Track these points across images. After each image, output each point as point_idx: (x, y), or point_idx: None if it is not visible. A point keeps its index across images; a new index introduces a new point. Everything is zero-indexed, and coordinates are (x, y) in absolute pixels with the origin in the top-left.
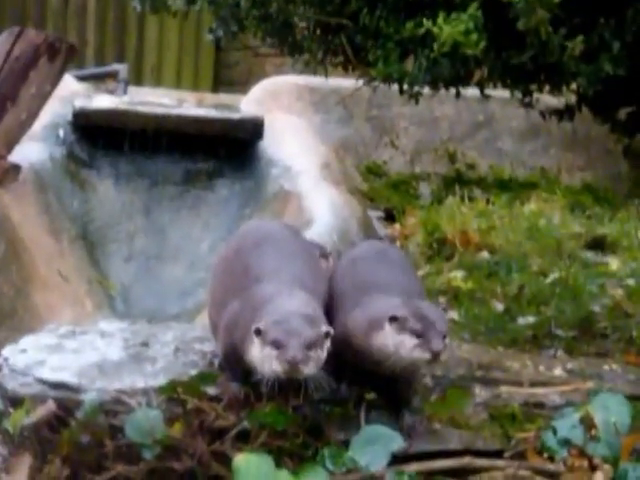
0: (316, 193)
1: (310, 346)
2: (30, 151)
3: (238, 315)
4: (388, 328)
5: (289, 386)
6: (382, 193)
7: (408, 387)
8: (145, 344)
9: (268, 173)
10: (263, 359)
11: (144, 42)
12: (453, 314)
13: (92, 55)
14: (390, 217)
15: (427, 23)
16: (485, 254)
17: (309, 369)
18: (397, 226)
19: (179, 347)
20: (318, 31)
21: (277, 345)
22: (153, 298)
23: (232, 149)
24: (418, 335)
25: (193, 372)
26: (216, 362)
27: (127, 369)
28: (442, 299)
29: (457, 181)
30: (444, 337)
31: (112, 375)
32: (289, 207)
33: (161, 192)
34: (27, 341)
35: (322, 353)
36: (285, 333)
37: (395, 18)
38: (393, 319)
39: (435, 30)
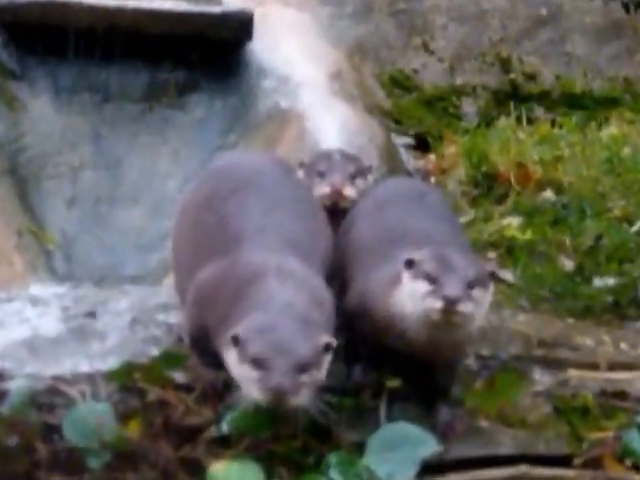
0: (323, 113)
1: (303, 368)
2: None
3: (212, 289)
4: (405, 276)
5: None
6: (412, 112)
7: (448, 373)
8: (91, 314)
9: (259, 86)
10: (241, 378)
11: None
12: (507, 274)
13: None
14: (422, 145)
15: None
16: (549, 194)
17: (300, 399)
18: (432, 157)
19: (136, 318)
20: None
21: (259, 365)
22: (105, 254)
23: (211, 54)
24: (432, 280)
25: (155, 352)
26: (186, 339)
27: (67, 348)
28: (492, 254)
29: (512, 96)
30: (470, 286)
31: (47, 356)
32: (287, 132)
33: (115, 112)
34: None
35: (319, 374)
36: (270, 349)
37: None
38: (409, 263)
39: None
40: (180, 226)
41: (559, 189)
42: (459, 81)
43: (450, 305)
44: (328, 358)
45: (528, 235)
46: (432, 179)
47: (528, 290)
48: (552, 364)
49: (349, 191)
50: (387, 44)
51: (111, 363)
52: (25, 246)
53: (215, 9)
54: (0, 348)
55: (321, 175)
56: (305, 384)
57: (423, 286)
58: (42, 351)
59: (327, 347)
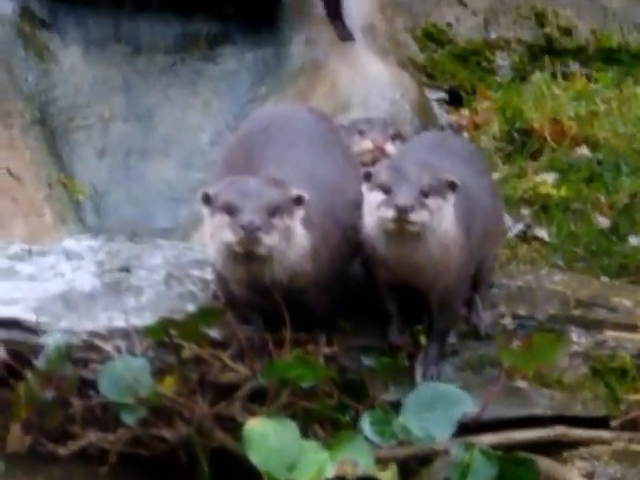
0: (355, 66)
1: (273, 211)
2: None
3: None
4: (363, 188)
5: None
6: (445, 67)
7: (441, 314)
8: (126, 269)
9: (291, 39)
10: (213, 232)
11: None
12: (541, 231)
13: None
14: (456, 99)
15: None
16: (585, 150)
17: (272, 239)
18: (465, 112)
19: (171, 273)
20: None
21: (231, 210)
22: (135, 206)
23: (243, 6)
24: (386, 190)
25: (190, 308)
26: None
27: (102, 303)
28: (526, 211)
29: (547, 51)
30: (423, 194)
31: (82, 311)
32: (318, 86)
33: (146, 63)
34: None
35: (291, 222)
36: (240, 194)
37: None
38: (367, 176)
39: None
40: (215, 170)
41: (594, 145)
42: (493, 35)
43: (402, 213)
44: (301, 211)
45: (563, 192)
46: (465, 134)
47: (563, 248)
48: (589, 325)
49: (390, 148)
50: None
51: (147, 319)
52: (55, 197)
53: None
54: (35, 302)
55: (362, 133)
56: (276, 227)
57: (378, 196)
58: (77, 306)
59: (298, 200)
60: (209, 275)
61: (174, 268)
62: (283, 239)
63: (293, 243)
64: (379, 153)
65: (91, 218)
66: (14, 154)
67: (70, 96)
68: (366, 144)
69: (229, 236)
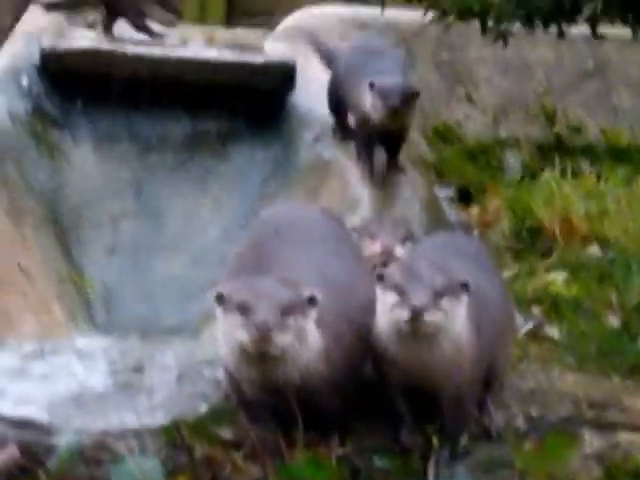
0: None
1: (287, 311)
2: None
3: None
4: (377, 289)
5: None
6: (455, 165)
7: (453, 416)
8: (138, 369)
9: (301, 137)
10: (226, 331)
11: None
12: (552, 330)
13: None
14: (465, 197)
15: None
16: (595, 249)
17: (285, 339)
18: (475, 209)
19: (184, 373)
20: None
21: (244, 309)
22: (145, 303)
23: (253, 104)
24: (400, 291)
25: (203, 407)
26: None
27: (114, 402)
28: (536, 310)
29: (557, 149)
30: (438, 295)
31: (94, 411)
32: (328, 183)
33: (157, 161)
34: None
35: (306, 323)
36: (254, 294)
37: None
38: (380, 277)
39: None
40: (224, 272)
41: (605, 244)
42: (503, 133)
43: (416, 314)
44: (314, 312)
45: (573, 291)
46: (475, 232)
47: (574, 348)
48: (602, 426)
49: (399, 251)
50: (430, 95)
51: (159, 418)
52: (65, 294)
53: (258, 59)
54: (47, 402)
55: (372, 236)
56: (290, 327)
57: (391, 297)
58: (89, 405)
59: (312, 300)
60: (220, 374)
61: (186, 367)
62: (296, 339)
63: (306, 344)
64: (388, 256)
65: (101, 315)
66: (25, 251)
67: (81, 193)
68: (375, 248)
69: (242, 336)
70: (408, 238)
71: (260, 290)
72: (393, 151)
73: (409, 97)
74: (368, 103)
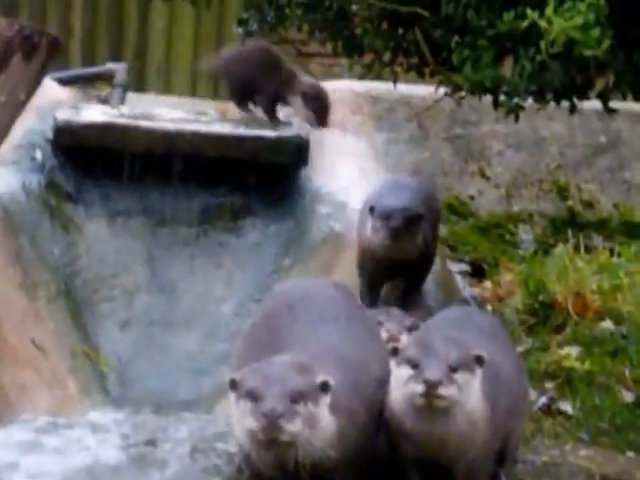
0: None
1: (297, 398)
2: None
3: None
4: (391, 364)
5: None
6: (468, 239)
7: None
8: (151, 442)
9: (314, 211)
10: (238, 418)
11: (148, 34)
12: (565, 405)
13: (79, 51)
14: (478, 272)
15: (532, 14)
16: (608, 324)
17: (294, 427)
18: (488, 284)
19: (196, 447)
20: (384, 23)
21: (254, 396)
22: (158, 378)
23: (266, 178)
24: (414, 365)
25: None
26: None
27: (127, 476)
28: (549, 384)
29: (570, 224)
30: (452, 369)
31: None
32: (342, 257)
33: (170, 235)
34: None
35: (316, 409)
36: (264, 381)
37: (489, 7)
38: (394, 352)
39: (542, 24)
40: (238, 347)
41: (618, 319)
42: (516, 208)
43: (431, 388)
44: (327, 398)
45: (587, 365)
46: (489, 307)
47: (588, 423)
48: None
49: (404, 339)
50: (443, 170)
51: None
52: (79, 368)
53: (271, 133)
54: (61, 476)
55: (379, 324)
56: (300, 414)
57: (406, 371)
58: (103, 479)
59: (323, 386)
60: (233, 448)
61: (199, 441)
62: (307, 426)
63: (318, 430)
64: (393, 343)
65: (115, 389)
66: (39, 325)
67: (94, 268)
68: (382, 334)
69: (252, 423)
70: (414, 327)
71: (271, 377)
72: (414, 285)
73: (412, 218)
74: (369, 228)
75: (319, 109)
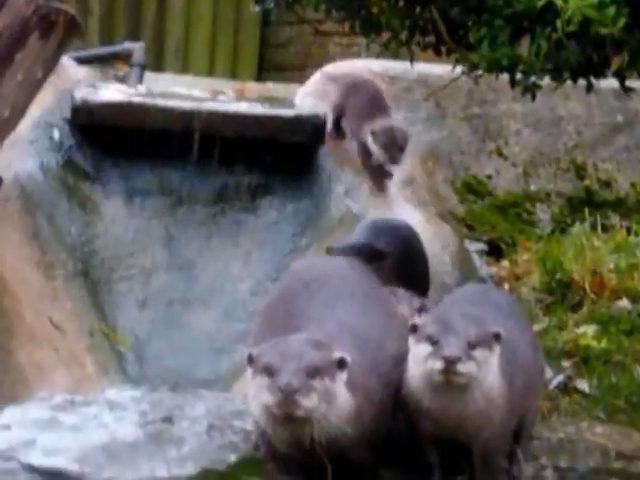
0: (395, 218)
1: (313, 373)
2: (15, 159)
3: None
4: (410, 341)
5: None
6: (485, 218)
7: (484, 461)
8: (168, 420)
9: (331, 190)
10: (254, 393)
11: (166, 13)
12: (582, 383)
13: (97, 30)
14: (496, 251)
15: None
16: (625, 303)
17: (310, 402)
18: (505, 263)
19: (213, 424)
20: (401, 2)
21: (270, 371)
22: (176, 357)
23: (283, 157)
24: (433, 342)
25: (232, 458)
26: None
27: (145, 453)
28: (566, 363)
29: (587, 203)
30: (471, 346)
31: (124, 461)
32: None
33: (188, 214)
34: (10, 414)
35: (333, 385)
36: (280, 356)
37: None
38: (414, 328)
39: (558, 2)
40: (255, 325)
41: (635, 298)
42: (533, 187)
43: (450, 365)
44: (344, 375)
45: (603, 344)
46: (506, 285)
47: (604, 400)
48: (631, 477)
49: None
50: (460, 149)
51: (189, 469)
52: (97, 347)
53: (289, 112)
54: (78, 453)
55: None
56: (316, 389)
57: (425, 348)
58: (120, 456)
59: (340, 362)
60: (250, 426)
61: (216, 419)
62: (323, 402)
63: (335, 406)
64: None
65: (133, 368)
66: (56, 304)
67: (112, 247)
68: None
69: (268, 398)
70: (423, 309)
71: (287, 352)
72: None
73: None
74: None
75: (389, 146)
